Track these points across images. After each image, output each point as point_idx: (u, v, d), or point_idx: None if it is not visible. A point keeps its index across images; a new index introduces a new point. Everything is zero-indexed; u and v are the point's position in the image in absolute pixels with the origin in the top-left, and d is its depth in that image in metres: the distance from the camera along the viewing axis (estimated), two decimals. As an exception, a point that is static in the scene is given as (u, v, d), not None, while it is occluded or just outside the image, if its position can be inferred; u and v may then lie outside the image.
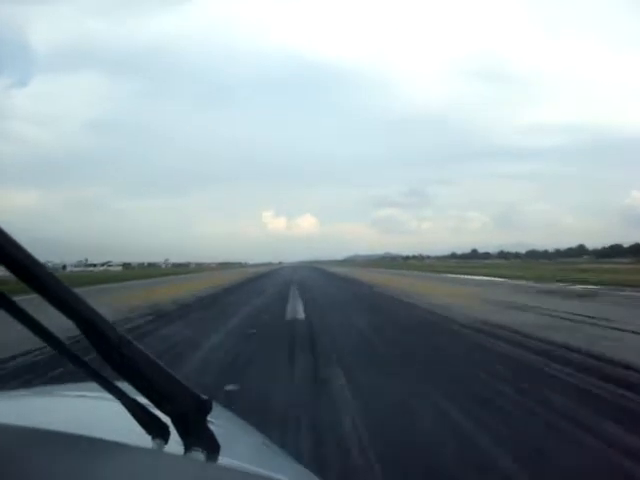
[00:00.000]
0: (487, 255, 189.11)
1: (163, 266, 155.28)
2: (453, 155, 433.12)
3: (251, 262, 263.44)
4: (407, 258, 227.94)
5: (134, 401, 0.77)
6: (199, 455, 0.73)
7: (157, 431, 0.76)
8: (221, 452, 0.75)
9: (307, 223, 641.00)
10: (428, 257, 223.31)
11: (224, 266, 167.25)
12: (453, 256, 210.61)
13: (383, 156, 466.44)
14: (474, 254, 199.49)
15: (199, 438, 0.74)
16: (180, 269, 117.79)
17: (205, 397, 0.75)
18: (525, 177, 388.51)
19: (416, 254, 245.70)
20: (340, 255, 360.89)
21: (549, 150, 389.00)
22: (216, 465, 0.73)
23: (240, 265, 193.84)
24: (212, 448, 0.75)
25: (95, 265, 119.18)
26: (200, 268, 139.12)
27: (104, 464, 0.64)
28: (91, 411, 1.23)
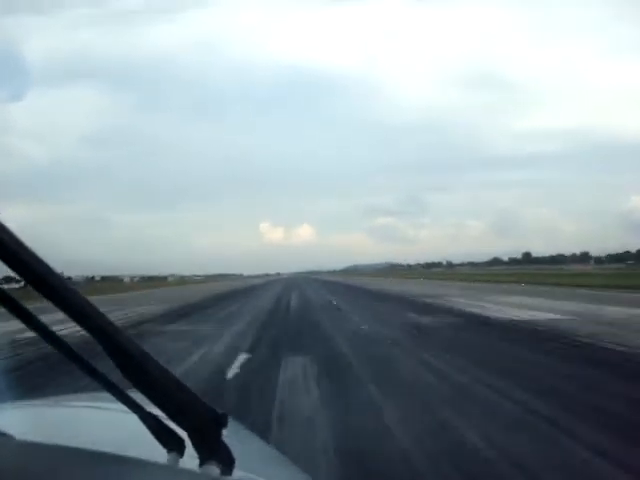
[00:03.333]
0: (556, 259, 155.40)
1: (127, 280, 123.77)
2: (451, 162, 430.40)
3: (247, 274, 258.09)
4: (410, 267, 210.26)
5: (150, 414, 0.78)
6: (214, 469, 0.74)
7: (172, 444, 0.77)
8: (236, 466, 0.76)
9: (305, 233, 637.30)
10: (456, 265, 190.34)
11: (214, 278, 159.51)
12: (495, 262, 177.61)
13: (380, 165, 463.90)
14: (527, 258, 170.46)
15: (214, 452, 0.75)
16: (150, 283, 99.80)
17: (221, 411, 0.76)
18: (523, 183, 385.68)
19: (435, 261, 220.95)
20: (339, 265, 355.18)
21: (547, 156, 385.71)
22: (231, 479, 0.74)
23: (232, 277, 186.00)
24: (227, 462, 0.76)
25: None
26: (181, 281, 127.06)
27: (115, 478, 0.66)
28: (106, 423, 1.22)
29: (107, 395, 0.77)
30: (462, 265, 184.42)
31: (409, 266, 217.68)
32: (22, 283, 0.64)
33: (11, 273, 0.61)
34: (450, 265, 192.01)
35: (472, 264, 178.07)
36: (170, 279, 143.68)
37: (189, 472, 0.74)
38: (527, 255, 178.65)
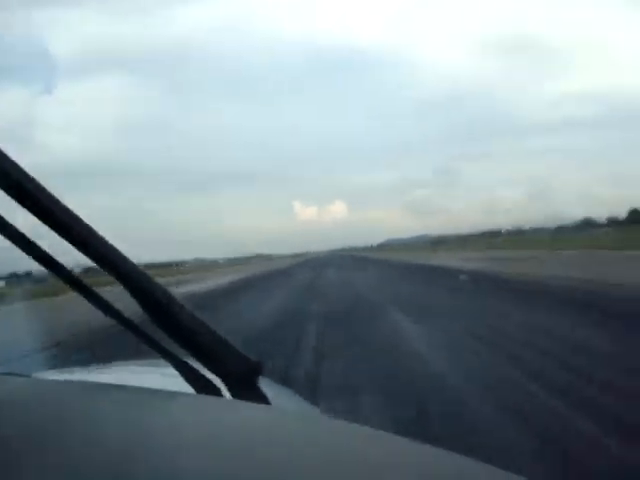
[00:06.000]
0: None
1: None
2: (483, 132, 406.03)
3: (279, 253, 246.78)
4: (463, 238, 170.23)
5: (189, 366, 0.79)
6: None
7: (210, 393, 0.78)
8: None
9: (337, 210, 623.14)
10: (527, 231, 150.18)
11: (240, 261, 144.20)
12: (588, 224, 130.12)
13: (411, 138, 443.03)
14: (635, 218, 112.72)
15: (251, 398, 0.75)
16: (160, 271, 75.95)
17: (256, 359, 0.77)
18: (556, 150, 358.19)
19: (489, 230, 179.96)
20: (373, 241, 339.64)
21: (580, 121, 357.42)
22: (273, 408, 0.76)
23: (262, 258, 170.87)
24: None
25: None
26: (200, 267, 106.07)
27: (166, 409, 0.67)
28: (149, 383, 1.14)
29: (153, 361, 0.85)
30: (534, 230, 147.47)
31: (462, 238, 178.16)
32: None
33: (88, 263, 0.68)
34: (520, 232, 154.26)
35: (560, 229, 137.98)
36: (187, 265, 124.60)
37: (229, 401, 0.74)
38: (635, 214, 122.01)
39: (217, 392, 0.77)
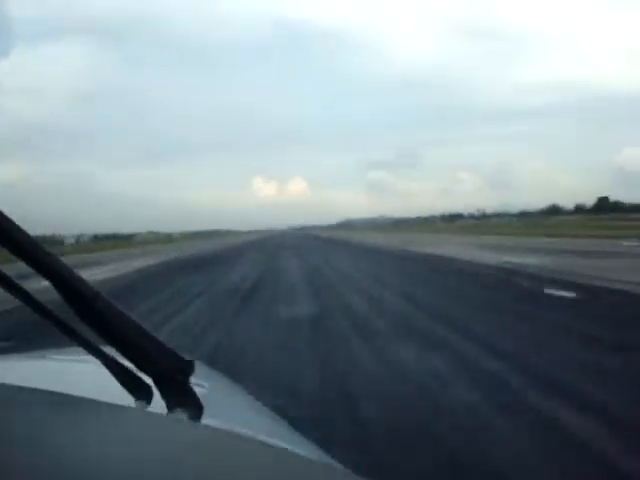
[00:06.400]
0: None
1: (70, 242, 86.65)
2: (445, 116, 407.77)
3: (238, 229, 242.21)
4: (425, 220, 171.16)
5: (116, 362, 0.76)
6: (182, 416, 0.72)
7: (140, 393, 0.76)
8: (206, 413, 0.74)
9: (297, 188, 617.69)
10: (491, 216, 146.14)
11: (199, 235, 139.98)
12: (554, 211, 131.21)
13: (373, 119, 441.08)
14: (604, 205, 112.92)
15: (182, 399, 0.73)
16: (104, 244, 73.12)
17: (188, 358, 0.74)
18: (517, 137, 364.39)
19: (454, 213, 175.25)
20: (332, 220, 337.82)
21: (542, 109, 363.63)
22: (199, 424, 0.72)
23: (220, 234, 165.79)
24: (195, 409, 0.74)
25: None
26: (154, 240, 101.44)
27: (88, 421, 0.64)
28: (73, 374, 1.22)
29: (76, 349, 0.77)
30: (499, 216, 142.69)
31: (424, 220, 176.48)
32: None
33: None
34: (484, 216, 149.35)
35: (523, 214, 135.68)
36: (138, 238, 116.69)
37: (156, 415, 0.71)
38: (604, 201, 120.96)
39: (148, 391, 0.75)
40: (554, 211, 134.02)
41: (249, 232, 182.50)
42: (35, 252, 0.62)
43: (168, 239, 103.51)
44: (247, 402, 1.36)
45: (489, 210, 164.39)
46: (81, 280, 0.67)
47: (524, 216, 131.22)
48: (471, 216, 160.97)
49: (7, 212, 0.61)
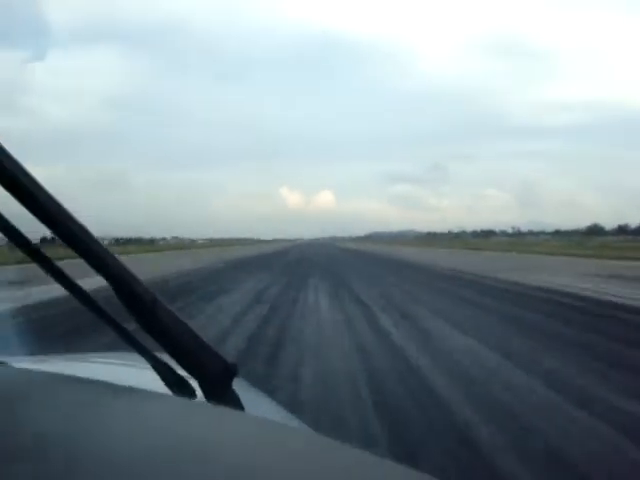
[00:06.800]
0: None
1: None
2: (473, 131, 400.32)
3: (264, 238, 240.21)
4: (457, 235, 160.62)
5: (161, 361, 0.78)
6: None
7: (184, 392, 0.77)
8: None
9: (325, 200, 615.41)
10: (526, 234, 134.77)
11: (224, 242, 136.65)
12: (595, 231, 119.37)
13: (401, 132, 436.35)
14: None
15: (223, 400, 0.74)
16: (124, 248, 66.73)
17: (232, 361, 0.76)
18: (543, 154, 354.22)
19: (486, 229, 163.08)
20: (358, 232, 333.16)
21: (568, 127, 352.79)
22: (245, 413, 0.74)
23: (245, 242, 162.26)
24: (236, 409, 0.76)
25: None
26: (178, 245, 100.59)
27: (135, 408, 0.66)
28: (120, 376, 1.20)
29: (122, 354, 0.80)
30: (533, 234, 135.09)
31: (456, 235, 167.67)
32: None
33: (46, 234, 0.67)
34: (518, 233, 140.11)
35: (557, 233, 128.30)
36: (161, 243, 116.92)
37: (200, 403, 0.73)
38: None
39: (191, 392, 0.77)
40: (594, 231, 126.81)
41: (274, 241, 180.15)
42: (97, 252, 0.66)
43: (190, 245, 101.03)
44: (283, 415, 1.31)
45: (520, 228, 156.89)
46: (132, 276, 0.69)
47: (559, 235, 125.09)
48: (504, 233, 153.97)
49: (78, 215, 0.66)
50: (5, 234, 0.67)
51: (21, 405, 0.61)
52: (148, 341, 0.75)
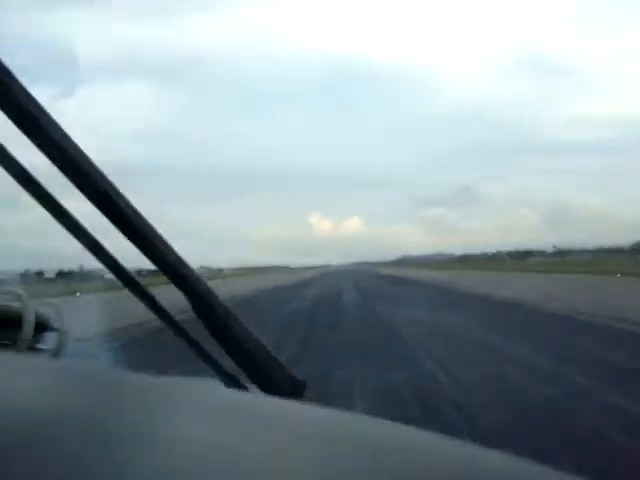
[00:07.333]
0: None
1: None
2: (502, 151, 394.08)
3: (295, 266, 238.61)
4: (493, 256, 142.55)
5: (232, 377, 0.81)
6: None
7: None
8: None
9: (353, 225, 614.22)
10: (567, 252, 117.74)
11: (249, 272, 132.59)
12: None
13: (430, 156, 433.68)
14: None
15: None
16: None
17: (301, 379, 0.80)
18: (575, 171, 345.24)
19: (525, 249, 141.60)
20: (388, 257, 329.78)
21: (600, 143, 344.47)
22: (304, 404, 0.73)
23: (275, 270, 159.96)
24: None
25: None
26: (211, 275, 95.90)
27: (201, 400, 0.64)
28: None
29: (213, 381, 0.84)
30: (577, 253, 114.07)
31: (492, 256, 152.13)
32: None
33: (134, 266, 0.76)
34: (560, 253, 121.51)
35: (600, 250, 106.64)
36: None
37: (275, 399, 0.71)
38: None
39: None
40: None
41: (305, 268, 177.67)
42: (178, 266, 0.70)
43: (216, 275, 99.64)
44: None
45: (560, 246, 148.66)
46: (209, 290, 0.73)
47: (602, 253, 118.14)
48: (542, 253, 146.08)
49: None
50: (104, 263, 0.70)
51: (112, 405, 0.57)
52: (220, 358, 0.79)
